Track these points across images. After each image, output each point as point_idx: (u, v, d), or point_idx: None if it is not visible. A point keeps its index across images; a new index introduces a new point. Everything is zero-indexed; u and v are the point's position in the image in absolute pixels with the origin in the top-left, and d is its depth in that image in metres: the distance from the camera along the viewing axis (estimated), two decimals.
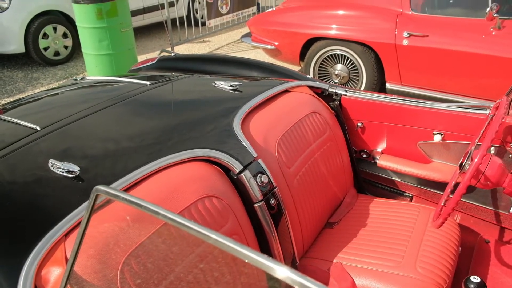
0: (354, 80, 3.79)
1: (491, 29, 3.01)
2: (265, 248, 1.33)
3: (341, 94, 1.84)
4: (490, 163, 1.23)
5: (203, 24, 6.16)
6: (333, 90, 1.85)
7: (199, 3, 6.67)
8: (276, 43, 4.04)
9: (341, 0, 3.73)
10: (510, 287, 1.49)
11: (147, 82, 1.80)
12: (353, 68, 3.74)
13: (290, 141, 1.52)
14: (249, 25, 4.27)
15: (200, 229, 0.57)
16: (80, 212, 1.00)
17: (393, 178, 1.93)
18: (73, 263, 0.69)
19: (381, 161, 1.84)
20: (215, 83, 1.75)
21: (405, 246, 1.47)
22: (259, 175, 1.30)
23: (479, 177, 1.24)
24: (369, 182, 1.99)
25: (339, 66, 3.81)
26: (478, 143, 1.37)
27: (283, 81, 1.80)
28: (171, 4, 5.44)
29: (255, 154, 1.33)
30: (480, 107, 1.60)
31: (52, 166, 1.15)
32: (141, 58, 5.41)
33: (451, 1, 3.28)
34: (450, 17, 3.22)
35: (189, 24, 5.95)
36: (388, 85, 3.63)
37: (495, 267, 1.60)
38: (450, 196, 1.56)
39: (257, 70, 2.16)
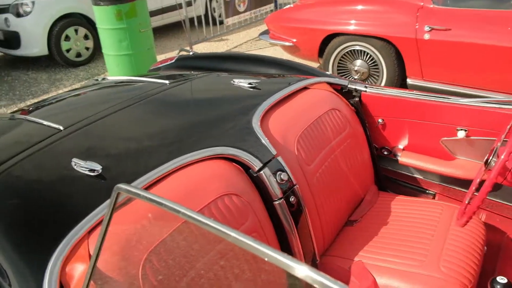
0: (374, 76, 3.73)
1: None
2: (285, 246, 1.33)
3: (361, 90, 1.81)
4: None
5: (221, 22, 6.17)
6: (353, 87, 1.83)
7: (217, 1, 6.69)
8: (294, 40, 4.01)
9: None
10: None
11: (166, 81, 1.82)
12: (373, 64, 3.69)
13: (309, 138, 1.51)
14: (267, 22, 4.26)
15: (219, 227, 0.57)
16: (102, 209, 1.01)
17: (415, 176, 1.89)
18: (96, 259, 0.71)
19: (403, 158, 1.81)
20: (234, 81, 1.75)
21: (428, 245, 1.44)
22: (278, 173, 1.30)
23: (505, 174, 1.20)
24: (391, 179, 1.96)
25: (358, 62, 3.76)
26: (505, 139, 1.32)
27: (302, 78, 1.78)
28: (188, 4, 5.48)
29: (274, 152, 1.32)
30: (506, 102, 1.55)
31: (75, 165, 1.17)
32: (160, 57, 5.47)
33: None
34: (473, 9, 3.13)
35: (207, 23, 5.98)
36: (409, 81, 3.56)
37: None
38: (475, 194, 1.52)
39: (275, 67, 2.15)
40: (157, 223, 0.96)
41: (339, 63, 3.87)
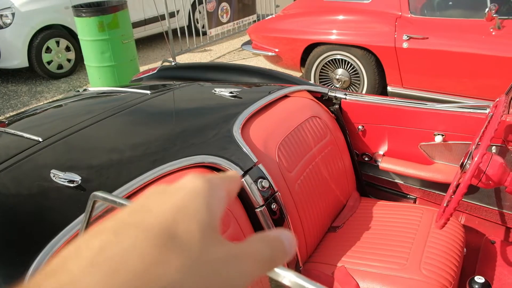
0: (356, 84, 3.79)
1: (491, 29, 3.00)
2: None
3: (340, 98, 1.84)
4: (491, 162, 1.22)
5: (204, 33, 6.20)
6: (333, 94, 1.86)
7: (200, 12, 6.72)
8: (277, 50, 4.06)
9: (339, 5, 3.75)
10: None
11: (148, 92, 1.82)
12: (354, 72, 3.75)
13: (290, 146, 1.53)
14: (249, 32, 4.30)
15: None
16: (81, 220, 1.00)
17: (396, 181, 1.92)
18: None
19: (383, 164, 1.84)
20: (215, 90, 1.76)
21: (409, 248, 1.46)
22: (259, 180, 1.30)
23: (480, 176, 1.23)
24: (372, 185, 1.99)
25: (340, 71, 3.81)
26: (479, 143, 1.36)
27: (282, 87, 1.80)
28: (171, 15, 5.50)
29: (255, 159, 1.33)
30: (480, 106, 1.60)
31: (54, 176, 1.15)
32: (143, 68, 5.45)
33: (450, 2, 3.29)
34: (449, 19, 3.22)
35: (190, 34, 6.00)
36: (389, 88, 3.63)
37: (501, 267, 1.58)
38: (452, 196, 1.55)
39: (257, 77, 2.17)
40: None
41: (321, 72, 3.92)
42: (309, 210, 1.53)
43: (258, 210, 1.28)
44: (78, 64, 5.64)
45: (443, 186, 1.78)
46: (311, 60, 3.89)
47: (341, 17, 3.66)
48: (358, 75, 3.73)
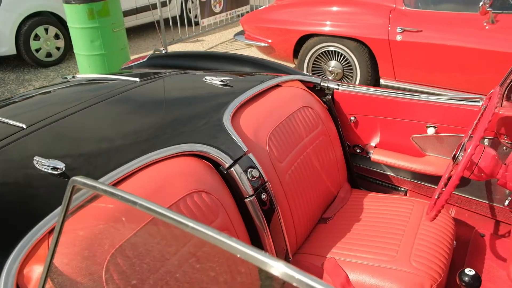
0: (348, 77, 3.77)
1: (484, 23, 2.99)
2: (257, 244, 1.31)
3: (333, 88, 1.82)
4: (483, 154, 1.21)
5: (196, 23, 6.13)
6: (325, 84, 1.83)
7: (192, 2, 6.64)
8: (270, 41, 4.01)
9: None
10: (505, 280, 1.47)
11: (137, 79, 1.78)
12: (347, 64, 3.73)
13: (281, 136, 1.50)
14: (242, 23, 4.25)
15: (183, 220, 0.54)
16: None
17: (387, 173, 1.91)
18: (51, 259, 0.67)
19: (375, 155, 1.82)
20: (206, 79, 1.73)
21: (399, 240, 1.45)
22: (249, 170, 1.28)
23: (472, 168, 1.22)
24: (363, 177, 1.97)
25: (333, 63, 3.79)
26: (471, 135, 1.35)
27: (274, 76, 1.77)
28: (163, 4, 5.41)
29: (245, 149, 1.31)
30: (473, 99, 1.59)
31: (37, 163, 1.12)
32: (134, 58, 5.37)
33: None
34: (443, 12, 3.20)
35: (182, 24, 5.92)
36: (382, 81, 3.61)
37: (490, 260, 1.58)
38: (443, 189, 1.54)
39: (249, 66, 2.14)
40: (121, 221, 0.92)
41: (313, 63, 3.89)
42: (300, 200, 1.51)
43: (247, 200, 1.26)
44: (68, 52, 5.54)
45: (434, 179, 1.78)
46: (304, 51, 3.85)
47: (335, 9, 3.63)
48: (351, 67, 3.71)
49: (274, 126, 1.49)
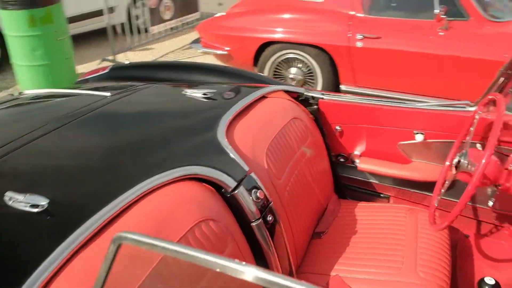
0: (309, 83, 3.78)
1: (439, 30, 3.13)
2: (263, 267, 1.21)
3: (318, 98, 1.77)
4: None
5: (146, 30, 5.88)
6: (310, 94, 1.78)
7: (136, 7, 6.36)
8: (228, 49, 3.93)
9: (293, 4, 3.71)
10: (497, 278, 1.48)
11: (107, 94, 1.61)
12: (308, 71, 3.73)
13: (277, 151, 1.42)
14: (198, 30, 4.13)
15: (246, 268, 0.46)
16: (58, 255, 0.81)
17: (370, 181, 1.89)
18: None
19: (362, 164, 1.80)
20: (186, 92, 1.60)
21: (402, 251, 1.42)
22: (253, 191, 1.18)
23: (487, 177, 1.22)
24: (347, 186, 1.94)
25: (293, 70, 3.78)
26: (473, 142, 1.36)
27: (258, 87, 1.69)
28: (110, 10, 5.13)
29: (246, 168, 1.21)
30: (459, 105, 1.61)
31: (10, 199, 0.94)
32: (79, 68, 5.02)
33: (401, 3, 3.39)
34: (400, 19, 3.31)
35: (131, 31, 5.65)
36: (342, 87, 3.66)
37: (479, 261, 1.61)
38: (441, 197, 1.55)
39: (225, 76, 2.03)
40: (135, 262, 0.79)
41: (274, 71, 3.86)
42: (297, 217, 1.44)
43: (254, 224, 1.16)
44: (3, 62, 5.07)
45: (417, 184, 1.78)
46: (264, 59, 3.81)
47: (295, 16, 3.62)
48: (312, 74, 3.72)
49: (269, 141, 1.41)
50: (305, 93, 1.78)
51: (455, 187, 1.73)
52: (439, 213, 1.83)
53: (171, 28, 6.04)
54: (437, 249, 1.43)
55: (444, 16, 3.02)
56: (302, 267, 1.46)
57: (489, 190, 1.48)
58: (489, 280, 1.10)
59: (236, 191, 1.14)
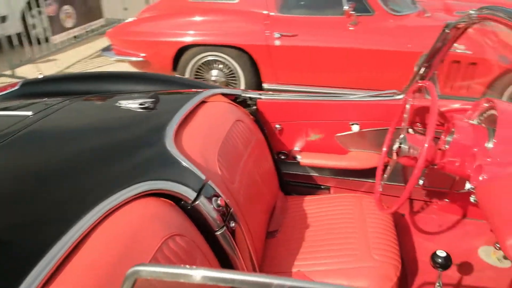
0: (232, 84, 3.79)
1: (349, 25, 3.34)
2: None
3: (256, 98, 1.78)
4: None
5: (46, 40, 5.40)
6: (247, 95, 1.78)
7: (33, 17, 5.82)
8: (144, 55, 3.77)
9: (206, 6, 3.68)
10: (432, 251, 1.63)
11: (27, 113, 1.44)
12: (229, 73, 3.74)
13: (227, 155, 1.39)
14: (109, 37, 3.90)
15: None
16: None
17: (311, 174, 1.95)
18: None
19: (303, 159, 1.85)
20: (120, 104, 1.50)
21: (354, 238, 1.48)
22: (214, 199, 1.14)
23: (434, 158, 1.32)
24: (290, 182, 1.98)
25: (214, 72, 3.76)
26: (409, 127, 1.45)
27: (195, 92, 1.64)
28: (2, 20, 4.62)
29: (203, 177, 1.16)
30: (389, 94, 1.73)
31: None
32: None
33: (311, 1, 3.54)
34: (314, 17, 3.47)
35: (29, 42, 5.15)
36: (265, 85, 3.73)
37: (416, 236, 1.75)
38: (383, 182, 1.65)
39: (149, 84, 1.94)
40: None
41: (195, 74, 3.80)
42: (253, 219, 1.43)
43: (219, 233, 1.12)
44: None
45: (356, 172, 1.88)
46: (184, 63, 3.73)
47: (211, 18, 3.60)
48: (234, 75, 3.73)
49: (218, 146, 1.37)
50: (242, 95, 1.78)
51: (392, 172, 1.86)
52: (381, 197, 1.95)
53: (75, 37, 5.63)
54: (385, 231, 1.52)
55: (353, 12, 3.22)
56: (263, 267, 1.45)
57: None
58: (441, 253, 1.20)
59: (197, 202, 1.09)
